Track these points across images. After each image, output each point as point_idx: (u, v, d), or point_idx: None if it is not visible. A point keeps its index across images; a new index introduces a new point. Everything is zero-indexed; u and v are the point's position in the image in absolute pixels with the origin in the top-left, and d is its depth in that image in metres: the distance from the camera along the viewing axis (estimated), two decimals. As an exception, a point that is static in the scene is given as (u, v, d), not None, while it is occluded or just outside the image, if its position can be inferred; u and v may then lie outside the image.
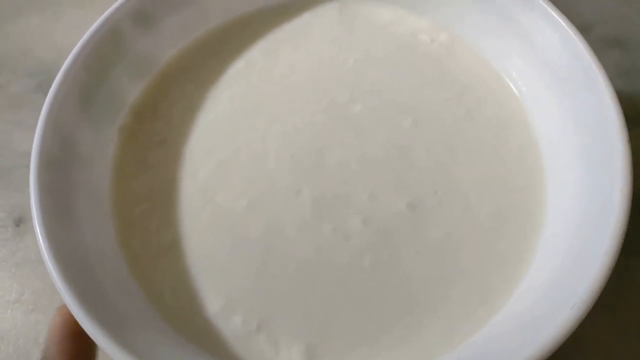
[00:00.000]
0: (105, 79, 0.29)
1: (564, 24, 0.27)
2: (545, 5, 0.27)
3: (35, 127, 0.38)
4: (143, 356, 0.21)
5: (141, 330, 0.23)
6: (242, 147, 0.29)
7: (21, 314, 0.33)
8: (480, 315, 0.25)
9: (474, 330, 0.25)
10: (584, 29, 0.28)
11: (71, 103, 0.27)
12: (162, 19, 0.31)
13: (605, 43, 0.28)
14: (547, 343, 0.21)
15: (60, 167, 0.26)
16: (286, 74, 0.32)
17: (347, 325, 0.25)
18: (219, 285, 0.26)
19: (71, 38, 0.41)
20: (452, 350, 0.24)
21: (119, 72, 0.29)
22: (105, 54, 0.29)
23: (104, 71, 0.29)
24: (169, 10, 0.31)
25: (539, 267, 0.25)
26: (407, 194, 0.28)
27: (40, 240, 0.23)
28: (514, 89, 0.30)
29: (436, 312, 0.25)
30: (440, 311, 0.25)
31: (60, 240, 0.23)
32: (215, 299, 0.26)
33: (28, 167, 0.37)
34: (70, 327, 0.23)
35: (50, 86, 0.40)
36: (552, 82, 0.28)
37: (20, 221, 0.35)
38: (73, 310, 0.22)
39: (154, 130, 0.30)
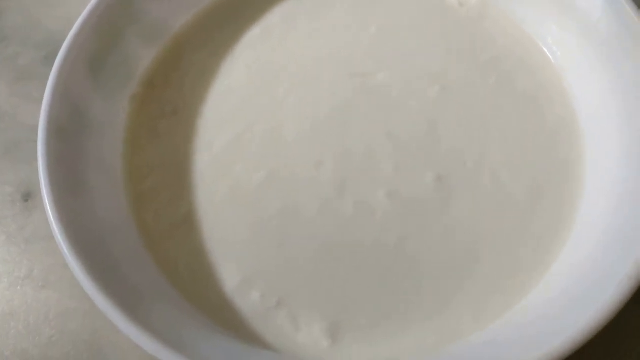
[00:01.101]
0: (116, 45, 0.28)
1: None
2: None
3: (41, 100, 0.37)
4: (159, 333, 0.20)
5: (156, 305, 0.22)
6: (259, 118, 0.28)
7: (31, 291, 0.32)
8: (512, 292, 0.24)
9: (505, 308, 0.24)
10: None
11: (80, 69, 0.26)
12: (175, -17, 0.29)
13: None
14: (593, 322, 0.20)
15: (69, 137, 0.25)
16: (305, 41, 0.30)
17: (372, 301, 0.24)
18: (237, 260, 0.25)
19: (80, 9, 0.40)
20: (483, 327, 0.23)
21: (130, 39, 0.28)
22: (115, 18, 0.27)
23: (114, 37, 0.27)
24: (182, -27, 0.29)
25: (576, 244, 0.24)
26: (434, 166, 0.26)
27: (50, 213, 0.22)
28: (550, 56, 0.28)
29: (465, 288, 0.24)
30: (469, 287, 0.24)
31: (71, 213, 0.22)
32: (233, 274, 0.25)
33: (36, 141, 0.36)
34: None
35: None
36: (591, 47, 0.26)
37: (29, 196, 0.34)
38: (85, 286, 0.21)
39: (166, 99, 0.29)
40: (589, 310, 0.20)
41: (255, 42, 0.30)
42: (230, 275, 0.25)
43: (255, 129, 0.28)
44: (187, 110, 0.28)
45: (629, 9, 0.25)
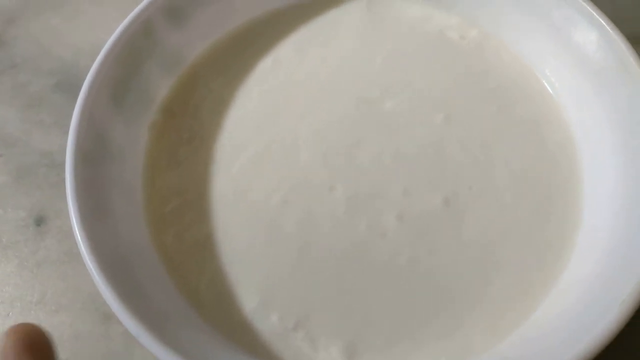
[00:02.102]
0: (136, 74, 0.29)
1: (600, 19, 0.27)
2: (580, 0, 0.27)
3: (54, 126, 0.38)
4: (185, 353, 0.21)
5: (180, 326, 0.23)
6: (274, 143, 0.29)
7: (44, 315, 0.32)
8: (521, 310, 0.25)
9: (515, 326, 0.25)
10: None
11: (104, 98, 0.27)
12: (192, 15, 0.30)
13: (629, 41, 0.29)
14: (597, 340, 0.21)
15: (94, 163, 0.25)
16: (315, 71, 0.31)
17: (386, 322, 0.25)
18: (255, 282, 0.26)
19: (90, 37, 0.41)
20: (494, 346, 0.24)
21: (150, 68, 0.29)
22: (136, 49, 0.28)
23: (135, 66, 0.28)
24: (199, 6, 0.30)
25: (579, 262, 0.25)
26: (441, 189, 0.27)
27: (78, 236, 0.23)
28: (547, 86, 0.30)
29: (475, 307, 0.25)
30: (479, 307, 0.25)
31: (97, 236, 0.23)
32: (252, 296, 0.25)
33: (48, 166, 0.36)
34: (23, 343, 0.21)
35: (68, 85, 0.39)
36: (587, 78, 0.28)
37: (41, 221, 0.35)
38: (113, 307, 0.21)
39: (184, 127, 0.30)
40: (592, 328, 0.21)
41: (267, 71, 0.31)
42: (249, 297, 0.25)
43: (270, 153, 0.29)
44: (204, 136, 0.29)
45: (621, 43, 0.26)
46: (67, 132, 0.37)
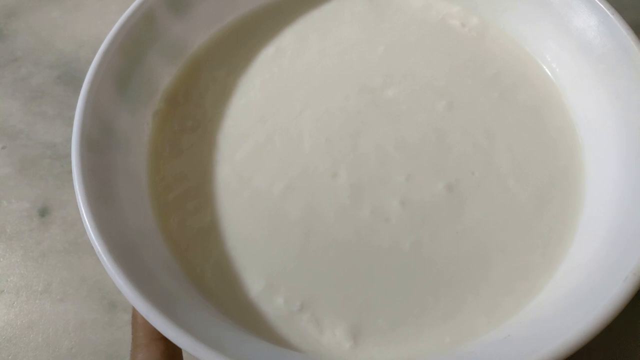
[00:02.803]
0: (140, 63, 0.29)
1: (601, 5, 0.27)
2: (582, -14, 0.28)
3: (57, 118, 0.38)
4: (194, 332, 0.21)
5: (188, 308, 0.23)
6: (276, 131, 0.29)
7: (50, 304, 0.32)
8: (523, 292, 0.25)
9: (517, 307, 0.25)
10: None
11: (108, 86, 0.27)
12: (194, 5, 0.31)
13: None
14: (602, 316, 0.21)
15: (99, 150, 0.25)
16: (317, 60, 0.32)
17: (390, 305, 0.25)
18: (260, 267, 0.26)
19: (91, 30, 0.42)
20: (497, 326, 0.24)
21: (153, 57, 0.29)
22: (139, 38, 0.28)
23: (138, 55, 0.29)
24: (201, -5, 0.31)
25: (581, 245, 0.25)
26: (444, 175, 0.28)
27: (86, 220, 0.23)
28: (548, 72, 0.30)
29: (478, 290, 0.25)
30: (481, 289, 0.25)
31: (104, 221, 0.23)
32: (257, 279, 0.26)
33: (52, 157, 0.37)
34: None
35: (70, 78, 0.40)
36: (588, 63, 0.28)
37: (45, 211, 0.35)
38: (122, 287, 0.21)
39: (187, 115, 0.30)
40: (597, 305, 0.21)
41: (270, 60, 0.31)
42: (255, 280, 0.26)
43: (273, 141, 0.29)
44: (207, 124, 0.29)
45: (621, 27, 0.27)
46: (70, 124, 0.37)
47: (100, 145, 0.26)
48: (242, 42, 0.32)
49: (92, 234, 0.22)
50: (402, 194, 0.27)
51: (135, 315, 0.25)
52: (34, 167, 0.36)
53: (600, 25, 0.28)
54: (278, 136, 0.29)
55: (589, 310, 0.21)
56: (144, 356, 0.23)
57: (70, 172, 0.36)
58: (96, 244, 0.22)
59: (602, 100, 0.28)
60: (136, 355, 0.23)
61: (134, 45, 0.28)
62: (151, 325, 0.21)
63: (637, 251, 0.22)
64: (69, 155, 0.36)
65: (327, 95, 0.30)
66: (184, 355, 0.25)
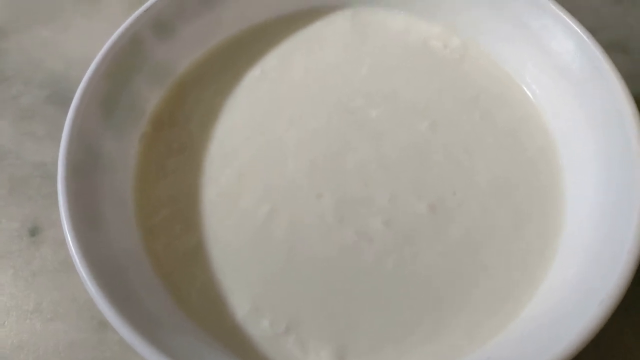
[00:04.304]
0: (125, 87, 0.29)
1: (576, 28, 0.28)
2: (558, 11, 0.28)
3: (47, 138, 0.38)
4: (179, 359, 0.21)
5: (173, 332, 0.23)
6: (261, 152, 0.30)
7: (40, 323, 0.33)
8: (505, 313, 0.26)
9: (500, 328, 0.25)
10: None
11: (94, 111, 0.27)
12: (179, 28, 0.31)
13: (608, 48, 0.29)
14: (577, 339, 0.21)
15: (85, 174, 0.26)
16: (301, 81, 0.32)
17: (374, 326, 0.26)
18: (245, 289, 0.26)
19: (81, 49, 0.42)
20: (478, 348, 0.25)
21: (139, 81, 0.30)
22: (125, 62, 0.29)
23: (124, 80, 0.29)
24: (186, 19, 0.31)
25: (561, 265, 0.26)
26: (427, 195, 0.28)
27: (71, 245, 0.23)
28: (528, 93, 0.31)
29: (460, 311, 0.26)
30: (464, 310, 0.26)
31: (90, 245, 0.24)
32: (243, 302, 0.26)
33: (41, 177, 0.37)
34: None
35: (60, 97, 0.40)
36: (566, 85, 0.29)
37: (36, 231, 0.35)
38: (107, 314, 0.22)
39: (173, 138, 0.30)
40: (573, 329, 0.22)
41: (255, 82, 0.32)
42: (240, 303, 0.26)
43: (258, 163, 0.29)
44: (193, 147, 0.30)
45: (597, 52, 0.27)
46: (59, 144, 0.38)
47: (86, 169, 0.26)
48: (228, 65, 0.32)
49: (77, 260, 0.23)
50: (386, 214, 0.28)
51: None
52: (23, 186, 0.37)
53: (576, 49, 0.28)
54: (263, 157, 0.30)
55: (566, 333, 0.22)
56: None
57: (59, 191, 0.36)
58: (81, 270, 0.23)
59: (581, 121, 0.28)
60: None
61: (120, 69, 0.29)
62: None
63: (613, 273, 0.23)
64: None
65: (311, 116, 0.31)
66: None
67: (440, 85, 0.31)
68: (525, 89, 0.31)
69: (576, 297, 0.24)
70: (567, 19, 0.28)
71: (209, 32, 0.32)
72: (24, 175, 0.37)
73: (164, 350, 0.21)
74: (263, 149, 0.30)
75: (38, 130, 0.38)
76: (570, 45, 0.28)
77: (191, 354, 0.22)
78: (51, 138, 0.38)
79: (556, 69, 0.29)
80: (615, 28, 0.39)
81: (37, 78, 0.41)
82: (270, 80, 0.32)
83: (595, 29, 0.29)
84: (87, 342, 0.32)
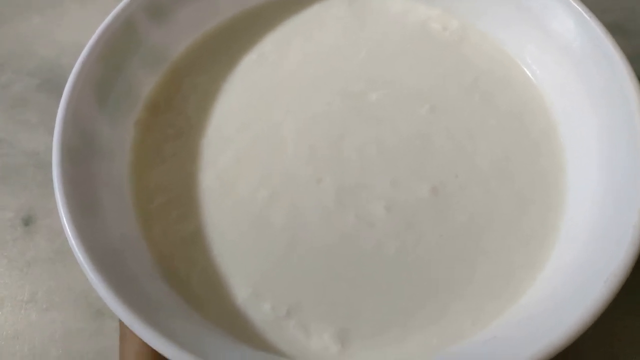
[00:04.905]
0: (120, 72, 0.29)
1: (578, 7, 0.28)
2: (559, -10, 0.28)
3: (40, 126, 0.38)
4: (179, 341, 0.21)
5: (173, 316, 0.23)
6: (259, 137, 0.29)
7: (35, 313, 0.32)
8: (507, 295, 0.25)
9: (503, 310, 0.25)
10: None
11: (88, 96, 0.27)
12: (174, 12, 0.31)
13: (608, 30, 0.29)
14: (583, 318, 0.21)
15: (80, 160, 0.25)
16: (299, 65, 0.32)
17: (376, 309, 0.25)
18: (246, 274, 0.26)
19: (73, 37, 0.41)
20: (482, 329, 0.25)
21: (133, 65, 0.29)
22: (119, 46, 0.28)
23: (118, 64, 0.28)
24: (181, 3, 0.31)
25: (564, 246, 0.26)
26: (428, 179, 0.28)
27: (68, 230, 0.23)
28: (529, 75, 0.31)
29: (463, 293, 0.26)
30: (467, 292, 0.26)
31: (87, 231, 0.23)
32: (243, 286, 0.26)
33: (35, 166, 0.36)
34: None
35: (52, 85, 0.39)
36: (568, 66, 0.29)
37: (30, 220, 0.35)
38: (105, 297, 0.21)
39: (169, 123, 0.30)
40: (579, 308, 0.22)
41: (252, 66, 0.31)
42: (241, 288, 0.26)
43: (257, 148, 0.29)
44: (190, 132, 0.29)
45: (598, 29, 0.27)
46: (52, 132, 0.37)
47: (81, 155, 0.26)
48: (224, 49, 0.32)
49: (74, 245, 0.22)
50: (387, 199, 0.27)
51: None
52: (17, 175, 0.36)
53: (578, 28, 0.28)
54: (261, 142, 0.29)
55: (572, 312, 0.22)
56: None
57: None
58: (79, 255, 0.22)
59: (583, 101, 0.28)
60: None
61: (114, 54, 0.28)
62: None
63: (617, 253, 0.22)
64: (52, 163, 0.36)
65: (310, 100, 0.30)
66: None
67: (440, 68, 0.31)
68: (526, 70, 0.31)
69: (580, 277, 0.24)
70: (568, -2, 0.28)
71: (205, 16, 0.32)
72: (18, 164, 0.36)
73: (163, 332, 0.21)
74: (261, 133, 0.29)
75: (31, 118, 0.38)
76: (571, 24, 0.28)
77: (192, 338, 0.22)
78: (44, 126, 0.37)
79: (557, 49, 0.29)
80: (614, 10, 0.39)
81: (28, 65, 0.40)
82: (268, 64, 0.32)
83: (594, 11, 0.29)
84: (83, 332, 0.32)
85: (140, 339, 0.21)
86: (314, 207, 0.27)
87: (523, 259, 0.26)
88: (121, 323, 0.24)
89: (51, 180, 0.35)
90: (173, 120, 0.30)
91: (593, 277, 0.23)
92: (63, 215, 0.23)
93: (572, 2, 0.28)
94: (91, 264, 0.22)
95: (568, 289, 0.24)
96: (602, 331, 0.29)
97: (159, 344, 0.21)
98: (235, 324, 0.25)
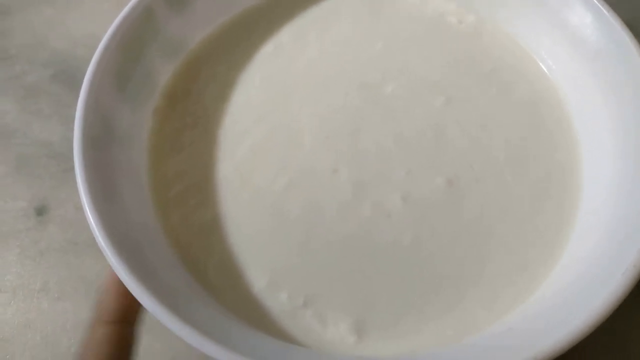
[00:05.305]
0: (139, 60, 0.29)
1: (596, 2, 0.28)
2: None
3: (54, 116, 0.38)
4: (199, 328, 0.21)
5: (192, 303, 0.23)
6: (277, 128, 0.29)
7: (47, 303, 0.32)
8: (523, 285, 0.25)
9: (518, 300, 0.25)
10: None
11: (108, 83, 0.27)
12: (193, 1, 0.31)
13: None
14: (602, 308, 0.21)
15: (100, 147, 0.25)
16: (316, 57, 0.32)
17: (392, 299, 0.25)
18: (263, 263, 0.26)
19: (85, 27, 0.41)
20: (498, 319, 0.25)
21: (152, 54, 0.29)
22: (139, 34, 0.28)
23: (138, 52, 0.29)
24: (199, -8, 0.31)
25: (581, 238, 0.26)
26: (444, 170, 0.28)
27: (90, 217, 0.23)
28: (544, 68, 0.31)
29: (478, 284, 0.26)
30: (482, 283, 0.26)
31: (108, 218, 0.23)
32: (260, 275, 0.26)
33: (48, 156, 0.36)
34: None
35: (65, 76, 0.39)
36: (583, 59, 0.29)
37: (43, 210, 0.35)
38: (130, 286, 0.21)
39: (187, 112, 0.30)
40: (597, 299, 0.22)
41: (269, 57, 0.32)
42: (258, 276, 0.26)
43: (274, 138, 0.29)
44: (207, 121, 0.29)
45: (616, 23, 0.27)
46: (66, 122, 0.37)
47: (101, 142, 0.26)
48: (241, 39, 0.32)
49: (97, 231, 0.22)
50: (403, 189, 0.28)
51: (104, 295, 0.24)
52: (30, 165, 0.36)
53: (595, 22, 0.28)
54: (278, 133, 0.29)
55: (589, 303, 0.22)
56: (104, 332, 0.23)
57: (67, 170, 0.36)
58: (101, 240, 0.22)
59: (597, 94, 0.28)
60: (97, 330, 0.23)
61: (134, 42, 0.28)
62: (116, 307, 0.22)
63: (635, 244, 0.22)
64: (65, 153, 0.36)
65: (327, 92, 0.30)
66: (190, 351, 0.25)
67: (456, 60, 0.31)
68: (541, 63, 0.31)
69: (597, 269, 0.24)
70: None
71: (223, 6, 0.32)
72: (31, 154, 0.36)
73: (183, 318, 0.21)
74: (278, 124, 0.29)
75: (44, 109, 0.38)
76: (589, 18, 0.28)
77: (211, 325, 0.22)
78: (58, 116, 0.37)
79: (573, 42, 0.29)
80: (626, 7, 0.39)
81: (41, 56, 0.40)
82: (284, 55, 0.32)
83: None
84: (96, 321, 0.31)
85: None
86: (330, 197, 0.27)
87: (539, 250, 0.26)
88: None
89: (64, 170, 0.36)
90: (191, 109, 0.30)
91: (610, 268, 0.23)
92: (85, 200, 0.23)
93: (590, -4, 0.28)
94: (114, 250, 0.22)
95: (585, 280, 0.24)
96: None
97: (181, 330, 0.21)
98: (252, 313, 0.25)
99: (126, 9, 0.28)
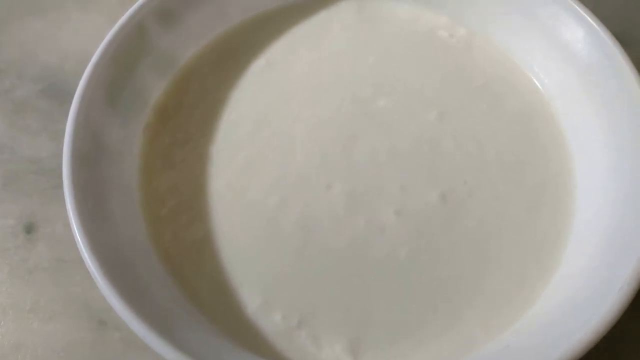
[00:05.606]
0: (131, 76, 0.28)
1: (586, 16, 0.28)
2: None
3: (41, 132, 0.37)
4: (191, 352, 0.21)
5: (184, 326, 0.23)
6: (269, 143, 0.29)
7: (38, 322, 0.31)
8: (520, 302, 0.25)
9: (515, 318, 0.25)
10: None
11: (99, 98, 0.27)
12: (184, 17, 0.31)
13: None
14: (598, 325, 0.21)
15: (91, 164, 0.25)
16: (307, 71, 0.32)
17: (387, 318, 0.25)
18: (256, 282, 0.26)
19: (75, 42, 0.41)
20: (494, 338, 0.24)
21: (143, 69, 0.29)
22: (130, 50, 0.28)
23: (129, 68, 0.28)
24: (190, 8, 0.31)
25: (576, 252, 0.26)
26: (437, 184, 0.28)
27: (78, 237, 0.22)
28: (536, 82, 0.31)
29: (474, 301, 0.25)
30: (478, 300, 0.25)
31: (97, 237, 0.23)
32: (254, 295, 0.25)
33: (36, 172, 0.36)
34: None
35: (55, 91, 0.39)
36: (575, 73, 0.29)
37: (31, 228, 0.34)
38: (117, 308, 0.21)
39: (178, 128, 0.30)
40: (594, 316, 0.22)
41: (261, 72, 0.31)
42: (251, 296, 0.25)
43: (266, 153, 0.29)
44: (199, 137, 0.29)
45: (607, 38, 0.27)
46: (55, 138, 0.37)
47: (91, 158, 0.25)
48: (232, 54, 0.32)
49: (85, 253, 0.22)
50: (397, 204, 0.27)
51: None
52: (18, 182, 0.35)
53: (586, 36, 0.28)
54: (270, 148, 0.29)
55: (586, 320, 0.22)
56: None
57: (56, 187, 0.35)
58: (89, 263, 0.22)
59: (589, 107, 0.28)
60: None
61: (125, 57, 0.28)
62: None
63: (630, 260, 0.22)
64: (54, 170, 0.36)
65: (319, 106, 0.30)
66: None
67: (448, 75, 0.31)
68: (533, 77, 0.31)
69: (593, 284, 0.24)
70: (576, 6, 0.28)
71: (214, 22, 0.32)
72: (19, 170, 0.36)
73: (175, 343, 0.20)
74: (270, 139, 0.29)
75: (32, 124, 0.37)
76: (580, 33, 0.28)
77: (202, 347, 0.22)
78: (46, 132, 0.37)
79: (564, 57, 0.29)
80: (615, 20, 0.39)
81: (30, 71, 0.40)
82: (276, 70, 0.32)
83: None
84: (86, 341, 0.31)
85: None
86: (323, 212, 0.27)
87: (534, 265, 0.26)
88: None
89: (53, 187, 0.35)
90: (182, 125, 0.30)
91: (607, 284, 0.23)
92: (73, 220, 0.23)
93: (581, 11, 0.28)
94: (102, 273, 0.22)
95: (581, 296, 0.24)
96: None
97: (172, 355, 0.20)
98: (245, 334, 0.24)
99: (118, 25, 0.28)
